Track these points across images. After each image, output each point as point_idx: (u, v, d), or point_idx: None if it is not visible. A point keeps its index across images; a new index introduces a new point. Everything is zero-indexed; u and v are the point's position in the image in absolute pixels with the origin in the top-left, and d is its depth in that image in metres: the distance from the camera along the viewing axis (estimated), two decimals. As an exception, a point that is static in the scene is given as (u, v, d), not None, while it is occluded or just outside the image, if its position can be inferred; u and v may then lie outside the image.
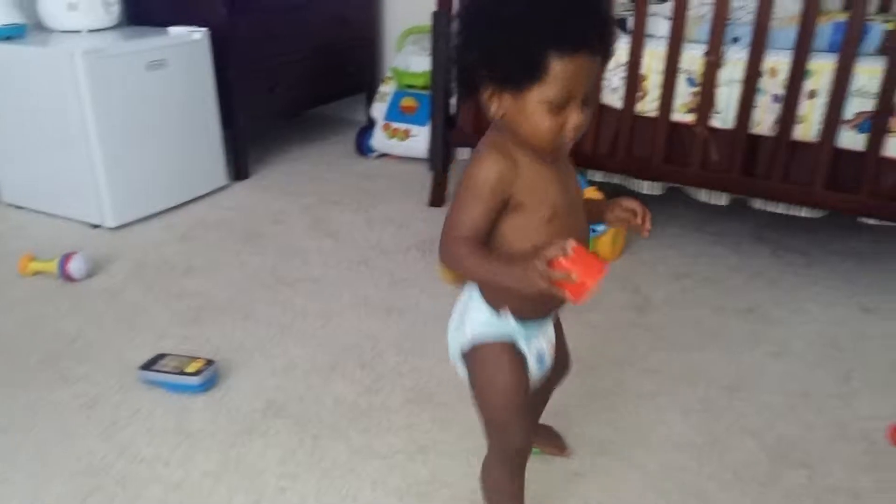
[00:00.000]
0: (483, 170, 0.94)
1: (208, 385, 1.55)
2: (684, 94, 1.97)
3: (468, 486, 1.31)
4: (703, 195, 2.12)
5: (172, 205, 2.47)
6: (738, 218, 2.39)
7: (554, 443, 1.39)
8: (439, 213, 2.38)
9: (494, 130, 0.98)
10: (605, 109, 2.10)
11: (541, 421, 1.35)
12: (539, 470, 1.30)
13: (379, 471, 1.35)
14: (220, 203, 2.55)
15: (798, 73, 1.80)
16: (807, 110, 1.83)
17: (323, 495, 1.30)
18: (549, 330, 1.12)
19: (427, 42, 2.66)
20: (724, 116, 1.94)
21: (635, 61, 1.99)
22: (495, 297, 1.03)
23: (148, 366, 1.58)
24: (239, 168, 2.73)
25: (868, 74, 1.75)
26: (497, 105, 0.93)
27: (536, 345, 1.08)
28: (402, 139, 2.80)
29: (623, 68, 2.02)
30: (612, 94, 2.07)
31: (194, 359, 1.59)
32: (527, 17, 0.86)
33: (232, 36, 2.55)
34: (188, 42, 2.41)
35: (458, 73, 0.96)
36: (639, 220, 1.06)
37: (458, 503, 1.28)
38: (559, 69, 0.87)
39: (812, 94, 1.82)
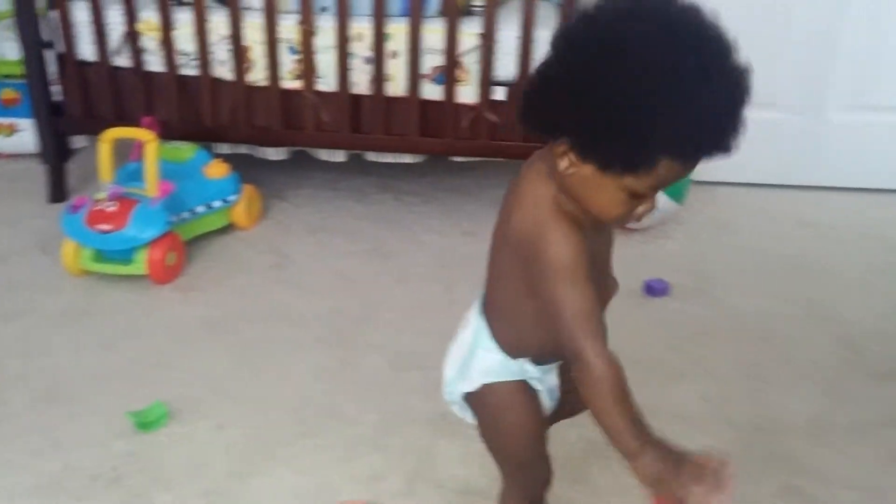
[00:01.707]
0: (569, 248, 0.79)
1: None
2: (288, 62, 2.10)
3: (108, 464, 1.31)
4: (324, 154, 2.31)
5: None
6: (364, 172, 2.62)
7: None
8: (60, 209, 2.22)
9: (549, 185, 0.82)
10: (217, 82, 2.15)
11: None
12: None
13: (6, 475, 1.28)
14: None
15: (379, 37, 2.04)
16: (393, 69, 2.09)
17: (-62, 518, 1.20)
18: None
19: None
20: (326, 80, 2.11)
21: (237, 34, 2.07)
22: (516, 345, 0.93)
23: None
24: None
25: (433, 34, 2.05)
26: (569, 165, 0.77)
27: (549, 380, 0.98)
28: (8, 135, 2.53)
29: (226, 41, 2.08)
30: (221, 66, 2.12)
31: None
32: (658, 112, 0.69)
33: None
34: None
35: (532, 106, 0.79)
36: None
37: (97, 482, 1.28)
38: (664, 171, 0.73)
39: (394, 55, 2.08)
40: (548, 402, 0.99)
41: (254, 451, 1.34)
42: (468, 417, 1.02)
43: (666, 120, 0.69)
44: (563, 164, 0.78)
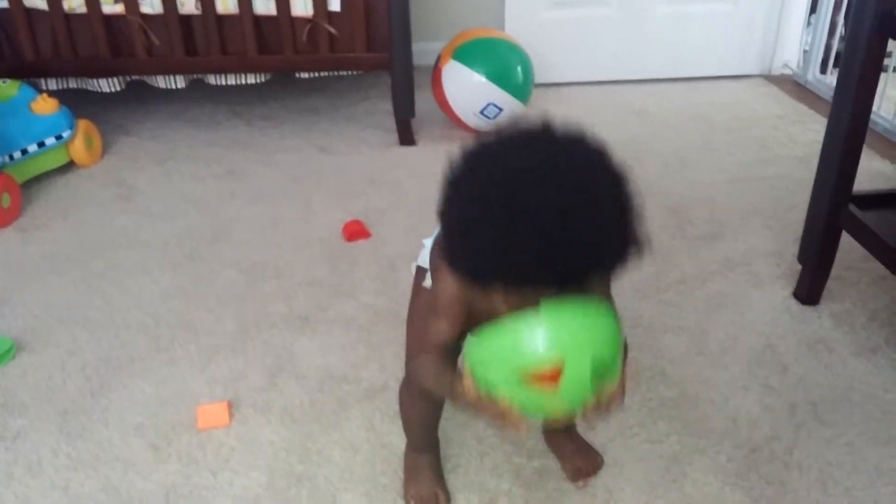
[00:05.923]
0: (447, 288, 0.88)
1: None
2: (105, -16, 2.00)
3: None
4: (162, 82, 2.23)
5: None
6: (213, 100, 2.57)
7: (580, 459, 1.17)
8: None
9: None
10: (32, 13, 2.02)
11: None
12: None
13: None
14: None
15: (200, -49, 1.98)
16: (219, -15, 2.03)
17: None
18: None
19: None
20: (151, 1, 2.03)
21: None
22: None
23: None
24: None
25: (257, -55, 2.00)
26: None
27: None
28: None
29: (33, -34, 1.95)
30: (30, -6, 1.99)
31: None
32: (488, 247, 0.74)
33: None
34: None
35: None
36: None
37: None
38: (506, 292, 0.79)
39: (219, -30, 2.02)
40: None
41: (108, 370, 1.35)
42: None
43: (482, 257, 0.75)
44: None
